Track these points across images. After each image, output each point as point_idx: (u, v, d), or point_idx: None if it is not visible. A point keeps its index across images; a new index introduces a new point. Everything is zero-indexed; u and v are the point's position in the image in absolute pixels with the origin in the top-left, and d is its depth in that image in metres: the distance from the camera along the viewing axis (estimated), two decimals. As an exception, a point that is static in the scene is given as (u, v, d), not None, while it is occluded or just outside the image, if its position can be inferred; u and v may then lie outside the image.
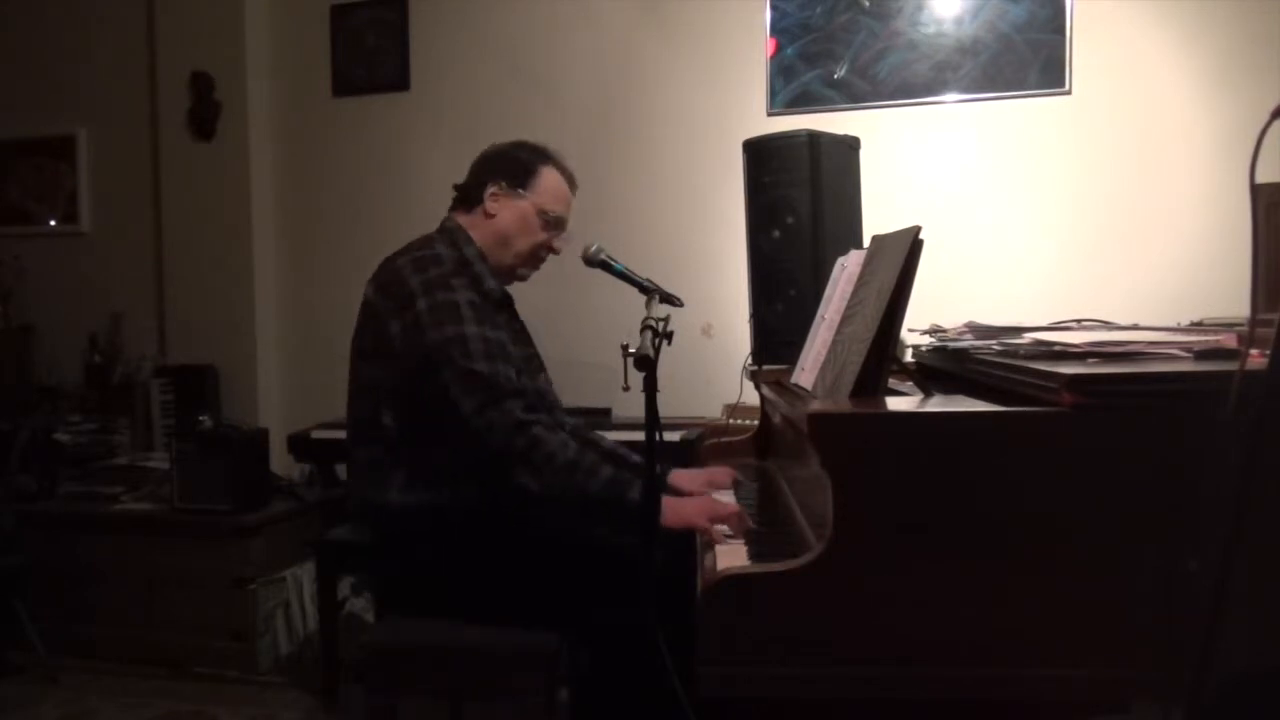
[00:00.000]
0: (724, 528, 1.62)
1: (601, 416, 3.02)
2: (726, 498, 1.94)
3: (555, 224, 1.97)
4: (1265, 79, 2.87)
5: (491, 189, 1.93)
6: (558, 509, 1.68)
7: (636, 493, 1.64)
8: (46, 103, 3.96)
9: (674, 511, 1.63)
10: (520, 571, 1.72)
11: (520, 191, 1.93)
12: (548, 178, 1.96)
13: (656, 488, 1.54)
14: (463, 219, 1.96)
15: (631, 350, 1.53)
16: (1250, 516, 0.99)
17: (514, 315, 2.03)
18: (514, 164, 1.96)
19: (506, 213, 1.93)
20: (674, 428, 2.89)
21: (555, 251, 2.00)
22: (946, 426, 1.24)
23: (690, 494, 1.94)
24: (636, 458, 2.06)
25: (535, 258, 1.98)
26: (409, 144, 3.65)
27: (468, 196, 1.97)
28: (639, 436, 1.52)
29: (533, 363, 2.00)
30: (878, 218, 2.35)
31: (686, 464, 2.35)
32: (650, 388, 1.46)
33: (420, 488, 1.75)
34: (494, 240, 1.93)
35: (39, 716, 2.75)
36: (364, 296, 1.85)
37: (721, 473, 2.07)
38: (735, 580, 1.23)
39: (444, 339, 1.71)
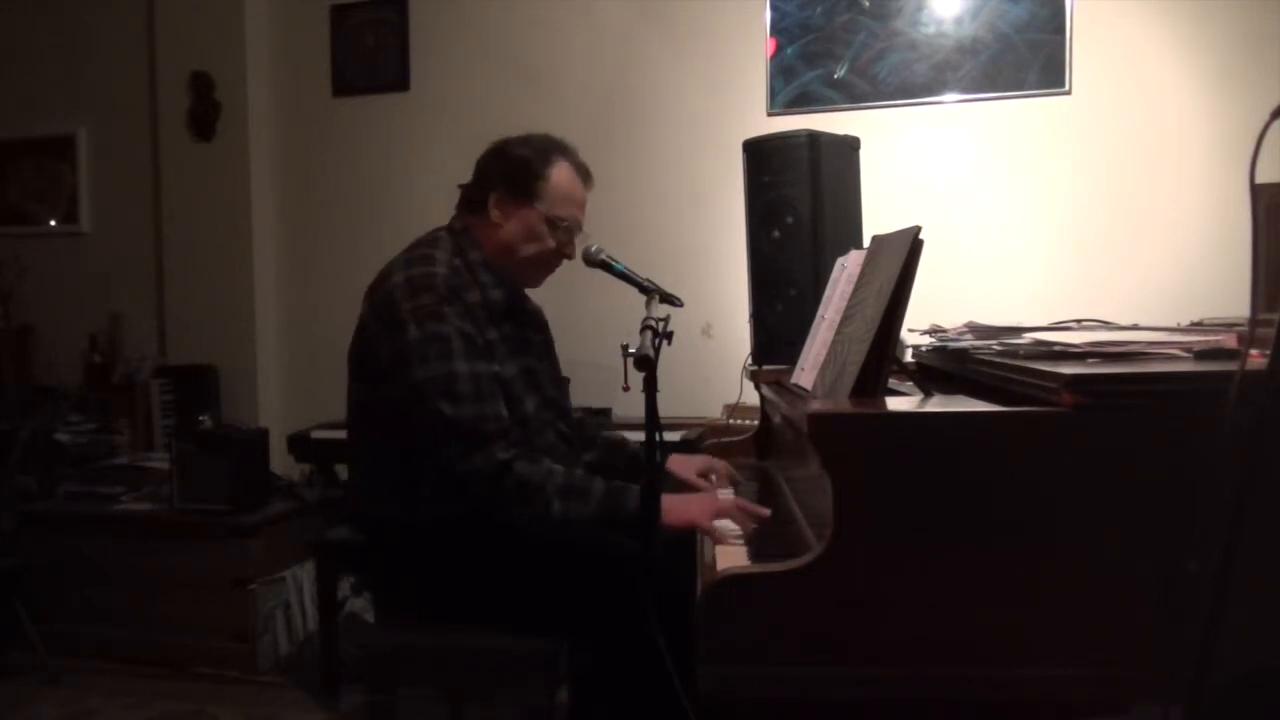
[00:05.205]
0: (729, 524, 1.62)
1: (602, 417, 3.02)
2: (725, 496, 1.94)
3: (567, 230, 1.87)
4: (1265, 79, 2.87)
5: (495, 197, 1.84)
6: (559, 534, 1.66)
7: (633, 500, 1.63)
8: (46, 103, 3.97)
9: (675, 511, 1.62)
10: (520, 575, 1.71)
11: (527, 201, 1.84)
12: (557, 181, 1.85)
13: (657, 490, 1.53)
14: (471, 222, 1.88)
15: (631, 350, 1.52)
16: (1250, 516, 0.99)
17: (524, 321, 1.94)
18: (520, 170, 1.84)
19: (513, 223, 1.84)
20: (674, 428, 2.89)
21: (569, 257, 1.90)
22: (946, 426, 1.24)
23: (685, 480, 1.96)
24: (635, 446, 2.06)
25: (546, 265, 1.90)
26: (409, 144, 3.65)
27: (472, 202, 1.88)
28: (639, 436, 1.52)
29: (531, 377, 1.88)
30: (878, 218, 2.35)
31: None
32: (650, 388, 1.45)
33: (417, 498, 1.73)
34: (501, 249, 1.85)
35: (39, 716, 2.75)
36: (361, 309, 1.81)
37: (717, 461, 2.07)
38: (735, 580, 1.23)
39: (430, 377, 1.66)
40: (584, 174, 1.92)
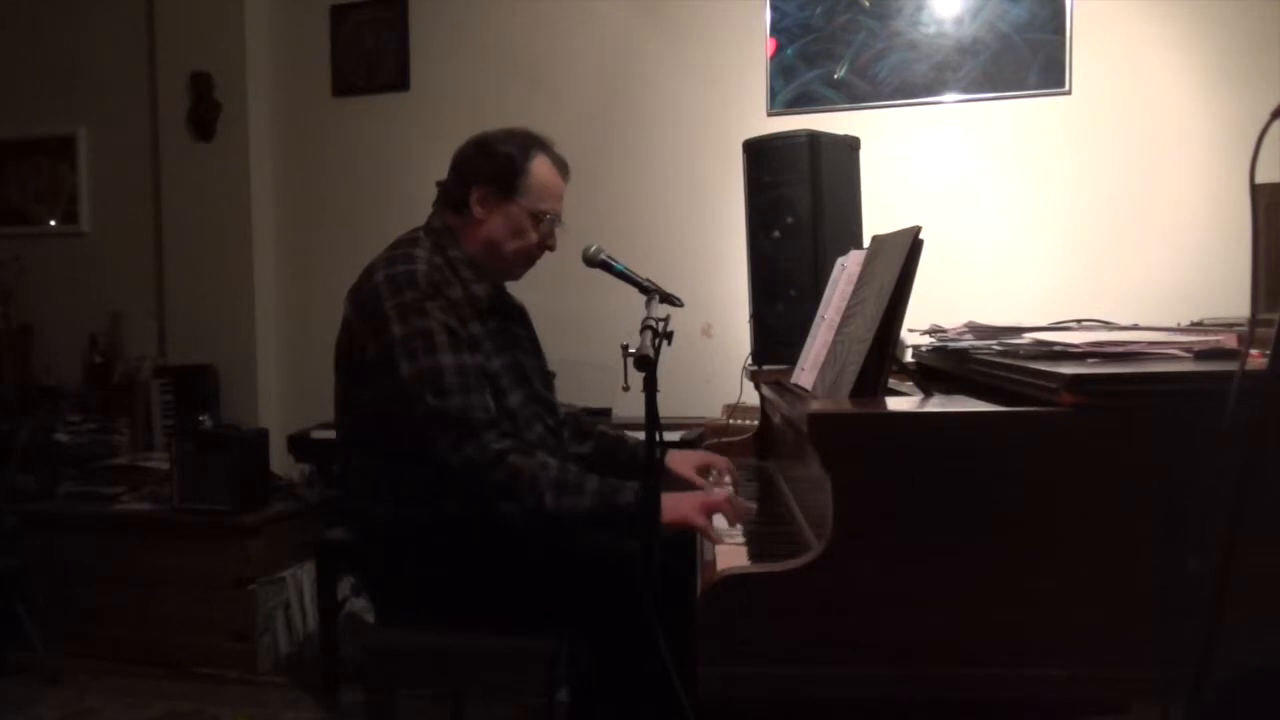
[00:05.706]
0: (723, 522, 1.61)
1: (601, 416, 3.02)
2: (720, 491, 1.94)
3: (549, 224, 1.89)
4: (1265, 79, 2.87)
5: (478, 193, 1.85)
6: (552, 529, 1.65)
7: (628, 496, 1.62)
8: (46, 103, 3.97)
9: (668, 509, 1.61)
10: (519, 575, 1.71)
11: (509, 196, 1.85)
12: (537, 175, 1.86)
13: (657, 489, 1.53)
14: (451, 220, 1.88)
15: (631, 350, 1.52)
16: (1250, 516, 0.99)
17: (509, 317, 1.94)
18: (500, 165, 1.85)
19: (496, 218, 1.85)
20: (674, 428, 2.89)
21: (550, 249, 1.93)
22: (946, 426, 1.24)
23: (684, 477, 1.96)
24: (633, 442, 2.08)
25: (529, 258, 1.92)
26: (409, 144, 3.64)
27: (453, 198, 1.88)
28: (639, 436, 1.52)
29: (517, 371, 1.88)
30: (878, 218, 2.35)
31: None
32: (650, 388, 1.45)
33: (412, 497, 1.72)
34: (483, 245, 1.86)
35: (39, 716, 2.75)
36: (344, 310, 1.81)
37: (717, 458, 2.07)
38: (735, 580, 1.22)
39: (417, 372, 1.66)
40: (562, 167, 1.93)
